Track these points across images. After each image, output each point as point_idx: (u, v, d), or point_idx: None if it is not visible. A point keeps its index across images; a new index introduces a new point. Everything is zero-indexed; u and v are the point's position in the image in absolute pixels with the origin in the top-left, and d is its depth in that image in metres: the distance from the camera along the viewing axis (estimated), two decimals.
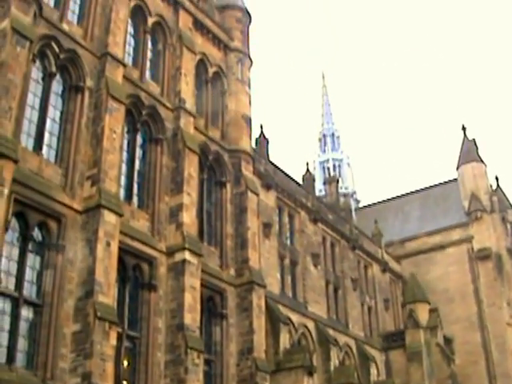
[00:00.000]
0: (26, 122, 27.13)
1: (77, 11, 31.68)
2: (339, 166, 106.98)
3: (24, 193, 25.28)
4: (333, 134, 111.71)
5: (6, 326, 23.95)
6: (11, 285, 24.48)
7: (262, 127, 48.21)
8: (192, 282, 30.77)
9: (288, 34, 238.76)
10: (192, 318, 30.06)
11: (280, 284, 44.45)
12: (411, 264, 64.61)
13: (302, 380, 37.14)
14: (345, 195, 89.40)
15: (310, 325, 45.60)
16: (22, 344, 24.37)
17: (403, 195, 76.31)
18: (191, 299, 30.34)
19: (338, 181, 68.69)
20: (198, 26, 39.06)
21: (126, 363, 28.10)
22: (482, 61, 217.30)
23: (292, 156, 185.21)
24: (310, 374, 37.77)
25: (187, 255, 31.04)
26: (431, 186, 74.56)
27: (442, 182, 73.85)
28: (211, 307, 33.91)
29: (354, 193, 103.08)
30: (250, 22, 43.65)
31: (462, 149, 68.65)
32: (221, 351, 33.41)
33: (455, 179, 69.30)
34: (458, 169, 68.16)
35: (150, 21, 35.50)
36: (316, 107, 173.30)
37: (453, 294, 62.45)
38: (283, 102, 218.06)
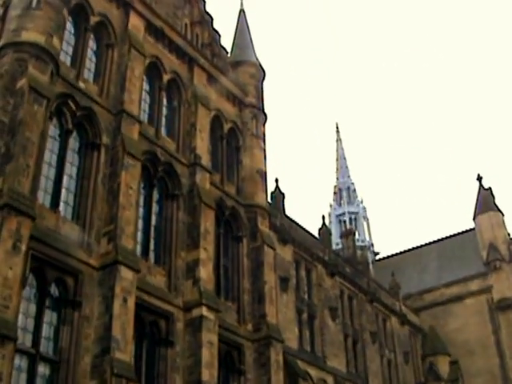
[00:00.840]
0: (43, 179, 27.27)
1: (93, 69, 32.17)
2: (355, 219, 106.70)
3: (41, 249, 25.27)
4: (348, 188, 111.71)
5: (22, 383, 23.68)
6: (28, 341, 24.32)
7: (277, 181, 48.18)
8: (209, 337, 30.48)
9: (301, 87, 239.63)
10: (210, 374, 29.67)
11: (298, 338, 43.89)
12: (430, 316, 63.78)
13: None
14: (362, 248, 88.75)
15: (330, 379, 44.88)
16: None
17: (420, 246, 75.60)
18: (208, 355, 30.03)
19: (354, 234, 68.23)
20: (213, 82, 39.39)
21: None
22: (496, 110, 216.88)
23: (307, 209, 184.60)
24: None
25: (204, 311, 30.79)
26: (448, 237, 73.75)
27: (458, 231, 73.12)
28: (229, 363, 33.45)
29: (371, 245, 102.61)
30: (263, 77, 44.02)
31: (478, 198, 68.00)
32: None
33: (472, 229, 68.58)
34: (474, 219, 67.41)
35: (165, 78, 35.92)
36: (331, 159, 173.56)
37: (473, 346, 61.04)
38: (298, 155, 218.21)
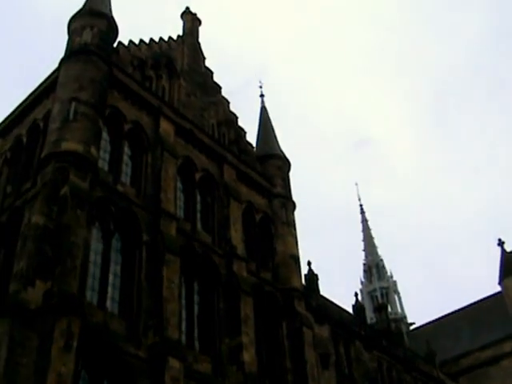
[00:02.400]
0: (90, 279, 27.36)
1: (129, 173, 32.58)
2: (386, 293, 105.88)
3: (92, 345, 25.00)
4: (377, 265, 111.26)
5: None
6: None
7: (309, 264, 47.82)
8: None
9: (323, 172, 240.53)
10: None
11: None
12: (468, 380, 61.81)
13: None
14: (395, 320, 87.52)
15: None
16: None
17: (451, 313, 74.48)
18: None
19: (386, 307, 67.39)
20: (242, 176, 39.62)
21: None
22: None
23: (340, 287, 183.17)
24: None
25: None
26: (476, 302, 72.60)
27: (486, 296, 72.00)
28: None
29: (404, 317, 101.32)
30: (289, 168, 44.23)
31: (501, 262, 66.93)
32: None
33: (499, 292, 67.40)
34: (500, 283, 66.32)
35: (197, 176, 36.25)
36: (356, 238, 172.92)
37: None
38: (326, 236, 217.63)
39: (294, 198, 43.01)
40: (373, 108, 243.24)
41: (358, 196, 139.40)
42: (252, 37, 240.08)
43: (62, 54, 33.43)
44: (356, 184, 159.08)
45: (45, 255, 25.39)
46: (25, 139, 33.92)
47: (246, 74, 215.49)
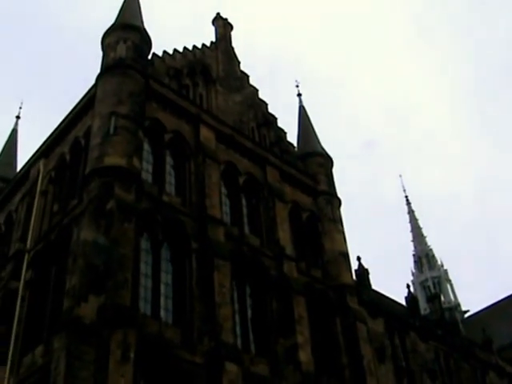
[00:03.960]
0: (142, 290, 27.34)
1: (173, 182, 32.55)
2: (438, 282, 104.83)
3: (149, 356, 25.03)
4: (427, 255, 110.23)
5: None
6: None
7: (359, 259, 47.47)
8: None
9: (370, 166, 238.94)
10: None
11: None
12: None
13: None
14: (449, 309, 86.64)
15: None
16: None
17: (506, 298, 73.33)
18: None
19: (439, 297, 66.66)
20: (285, 176, 39.24)
21: None
22: None
23: (391, 279, 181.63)
24: None
25: None
26: None
27: None
28: None
29: (458, 305, 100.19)
30: (332, 164, 43.72)
31: None
32: None
33: None
34: None
35: (241, 180, 36.06)
36: (404, 229, 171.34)
37: None
38: (373, 229, 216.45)
39: (339, 195, 42.66)
40: (415, 96, 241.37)
41: (403, 187, 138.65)
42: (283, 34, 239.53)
43: (96, 71, 33.59)
44: (400, 176, 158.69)
45: (96, 270, 25.43)
46: (68, 157, 34.04)
47: (278, 72, 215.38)
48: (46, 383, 24.24)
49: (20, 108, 49.65)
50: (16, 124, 48.05)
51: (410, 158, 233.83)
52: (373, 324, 41.97)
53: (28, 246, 32.82)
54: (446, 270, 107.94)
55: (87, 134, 32.19)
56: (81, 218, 27.12)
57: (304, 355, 31.17)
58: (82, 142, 32.97)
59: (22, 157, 51.42)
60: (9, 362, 29.27)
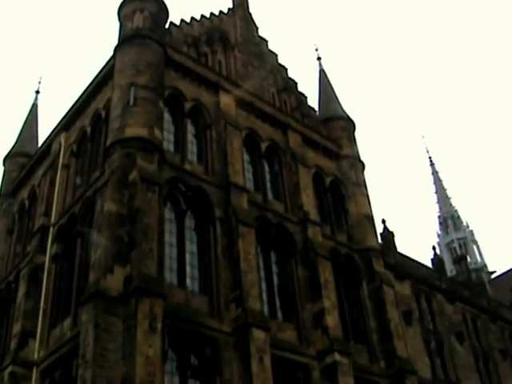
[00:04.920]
0: (168, 259, 27.37)
1: (195, 150, 32.40)
2: (464, 244, 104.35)
3: (176, 324, 25.13)
4: (452, 216, 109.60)
5: None
6: None
7: (384, 222, 47.23)
8: (346, 380, 29.39)
9: (393, 129, 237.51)
10: None
11: (430, 368, 42.23)
12: None
13: None
14: (476, 270, 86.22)
15: None
16: None
17: None
18: None
19: (466, 258, 66.34)
20: (308, 141, 38.97)
21: None
22: None
23: (416, 242, 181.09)
24: None
25: (337, 356, 29.81)
26: None
27: None
28: None
29: (485, 266, 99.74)
30: (354, 127, 43.31)
31: None
32: None
33: None
34: None
35: (263, 146, 35.82)
36: (428, 191, 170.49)
37: None
38: (397, 193, 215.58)
39: (362, 158, 42.31)
40: (434, 58, 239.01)
41: (426, 148, 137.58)
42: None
43: (114, 42, 33.34)
44: (423, 136, 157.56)
45: (121, 241, 25.53)
46: (89, 129, 33.97)
47: (297, 36, 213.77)
48: (75, 355, 24.47)
49: (39, 83, 49.42)
50: (36, 99, 47.89)
51: (432, 119, 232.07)
52: (399, 287, 41.88)
53: (52, 220, 32.96)
54: (471, 231, 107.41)
55: (107, 105, 32.08)
56: (104, 189, 27.04)
57: (331, 320, 31.11)
58: (103, 113, 32.87)
59: (43, 132, 51.53)
60: (38, 336, 29.57)
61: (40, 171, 37.90)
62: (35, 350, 29.39)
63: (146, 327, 22.94)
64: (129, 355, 22.53)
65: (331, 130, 42.06)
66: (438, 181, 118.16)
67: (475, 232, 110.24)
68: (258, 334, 26.61)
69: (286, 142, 37.12)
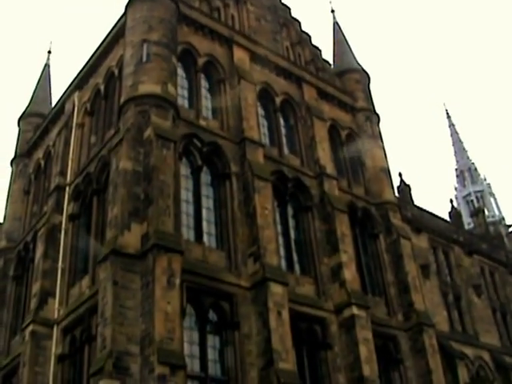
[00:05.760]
0: (184, 216, 27.44)
1: (210, 106, 32.21)
2: (481, 196, 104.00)
3: (194, 280, 25.25)
4: (469, 168, 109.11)
5: None
6: (196, 366, 24.38)
7: (400, 175, 47.16)
8: (364, 334, 29.52)
9: (408, 81, 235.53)
10: (370, 368, 28.70)
11: (448, 320, 42.40)
12: None
13: None
14: (493, 223, 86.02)
15: (486, 356, 43.08)
16: None
17: None
18: (366, 351, 29.07)
19: (483, 211, 66.09)
20: (323, 94, 38.63)
21: None
22: None
23: (433, 196, 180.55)
24: None
25: (355, 310, 29.88)
26: None
27: None
28: (386, 354, 32.34)
29: (503, 219, 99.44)
30: (369, 80, 42.91)
31: None
32: None
33: None
34: None
35: (278, 100, 35.55)
36: (445, 143, 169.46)
37: None
38: (414, 146, 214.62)
39: (379, 112, 41.92)
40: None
41: (444, 106, 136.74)
42: None
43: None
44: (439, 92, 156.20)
45: (137, 198, 25.57)
46: (102, 88, 33.83)
47: None
48: (95, 313, 24.71)
49: (51, 43, 49.26)
50: (48, 59, 47.70)
51: (449, 71, 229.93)
52: (417, 240, 41.90)
53: (68, 179, 33.06)
54: (489, 184, 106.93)
55: (120, 63, 31.90)
56: (119, 147, 26.95)
57: (349, 273, 31.16)
58: (116, 71, 32.72)
59: (57, 92, 51.46)
60: (57, 295, 29.86)
61: (54, 131, 37.90)
62: (55, 309, 29.74)
63: (164, 284, 23.05)
64: (147, 312, 22.71)
65: (346, 82, 41.66)
66: (454, 133, 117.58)
67: (492, 185, 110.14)
68: (276, 289, 26.68)
69: (300, 95, 36.82)
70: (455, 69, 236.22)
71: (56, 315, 29.51)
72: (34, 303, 30.64)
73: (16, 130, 43.33)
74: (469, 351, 41.64)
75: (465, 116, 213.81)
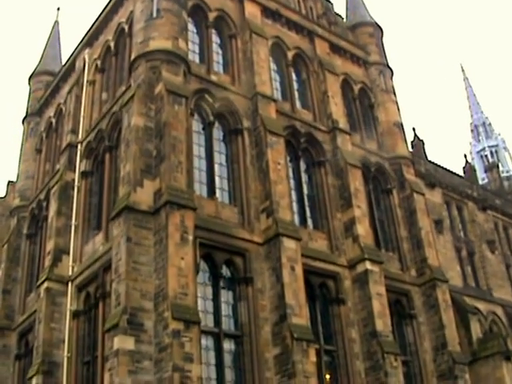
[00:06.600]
0: (196, 172, 27.47)
1: (221, 61, 32.05)
2: (496, 151, 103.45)
3: (207, 236, 25.36)
4: (484, 123, 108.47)
5: (213, 360, 24.11)
6: (210, 322, 24.58)
7: (414, 130, 47.00)
8: (377, 289, 29.59)
9: (421, 35, 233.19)
10: (383, 323, 28.86)
11: (461, 276, 42.58)
12: None
13: (500, 366, 35.20)
14: (508, 178, 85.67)
15: (499, 310, 43.30)
16: (229, 374, 24.42)
17: None
18: (379, 306, 29.17)
19: (498, 166, 65.84)
20: (335, 49, 38.23)
21: (328, 377, 27.28)
22: None
23: (447, 151, 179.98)
24: (508, 358, 35.62)
25: (368, 265, 29.90)
26: None
27: None
28: (399, 309, 32.51)
29: None
30: (382, 34, 42.38)
31: None
32: (416, 350, 31.92)
33: None
34: None
35: (290, 54, 35.19)
36: (460, 98, 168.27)
37: None
38: (428, 102, 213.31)
39: (393, 66, 41.42)
40: None
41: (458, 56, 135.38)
42: None
43: None
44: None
45: (149, 155, 25.58)
46: (112, 44, 33.61)
47: None
48: (109, 270, 24.92)
49: None
50: (57, 16, 47.42)
51: (464, 25, 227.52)
52: (430, 195, 41.84)
53: (80, 137, 33.07)
54: (503, 139, 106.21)
55: (130, 19, 31.67)
56: (130, 104, 26.85)
57: (362, 229, 31.16)
58: (126, 27, 32.49)
59: (67, 49, 51.26)
60: (71, 252, 30.08)
61: (65, 89, 37.82)
62: (69, 266, 29.98)
63: (177, 239, 23.16)
64: (161, 268, 22.87)
65: (359, 36, 41.13)
66: (469, 87, 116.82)
67: (507, 140, 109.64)
68: (289, 244, 26.75)
69: (313, 49, 36.43)
70: (470, 22, 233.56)
71: (70, 272, 29.75)
72: (48, 261, 30.89)
73: (27, 88, 43.34)
74: (482, 306, 41.83)
75: (480, 72, 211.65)
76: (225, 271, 26.09)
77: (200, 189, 27.23)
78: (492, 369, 35.28)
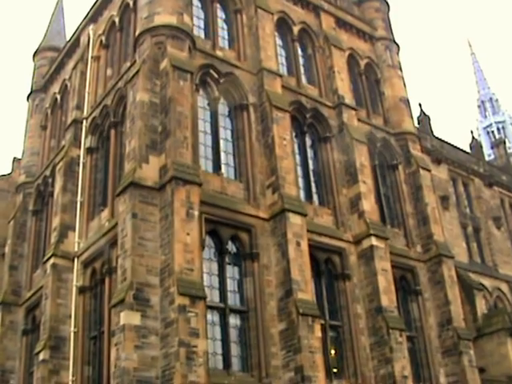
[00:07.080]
0: (202, 147, 27.47)
1: (226, 37, 31.92)
2: (503, 127, 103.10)
3: (213, 212, 25.39)
4: (490, 99, 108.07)
5: (218, 336, 24.22)
6: (216, 297, 24.68)
7: (420, 105, 46.90)
8: (383, 265, 29.67)
9: (427, 10, 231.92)
10: (388, 299, 28.98)
11: (467, 252, 42.67)
12: None
13: (505, 342, 35.46)
14: None
15: (504, 287, 43.46)
16: (235, 349, 24.54)
17: None
18: (385, 281, 29.27)
19: (504, 142, 65.64)
20: (341, 23, 37.99)
21: (333, 352, 27.48)
22: None
23: (454, 127, 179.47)
24: None
25: (374, 241, 29.97)
26: None
27: None
28: (405, 285, 32.62)
29: None
30: (388, 8, 42.07)
31: None
32: (421, 326, 32.05)
33: None
34: None
35: (295, 29, 34.99)
36: (466, 74, 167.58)
37: None
38: (435, 77, 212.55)
39: (400, 42, 41.20)
40: None
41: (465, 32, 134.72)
42: None
43: None
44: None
45: (154, 131, 25.58)
46: (117, 20, 33.41)
47: None
48: (114, 245, 25.03)
49: None
50: None
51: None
52: (436, 171, 41.84)
53: (85, 113, 33.05)
54: (510, 115, 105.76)
55: None
56: (135, 79, 26.79)
57: (367, 204, 31.17)
58: (130, 3, 32.29)
59: (71, 25, 51.03)
60: (77, 228, 30.21)
61: (70, 65, 37.71)
62: (75, 242, 30.11)
63: (182, 215, 23.20)
64: (167, 243, 22.96)
65: (365, 11, 40.84)
66: (476, 62, 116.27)
67: None
68: (295, 220, 26.79)
69: (318, 24, 36.21)
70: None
71: (76, 248, 29.88)
72: (54, 237, 31.00)
73: (31, 64, 43.26)
74: (487, 282, 41.96)
75: (487, 47, 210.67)
76: (230, 247, 26.15)
77: (205, 164, 27.23)
78: (497, 345, 35.49)
